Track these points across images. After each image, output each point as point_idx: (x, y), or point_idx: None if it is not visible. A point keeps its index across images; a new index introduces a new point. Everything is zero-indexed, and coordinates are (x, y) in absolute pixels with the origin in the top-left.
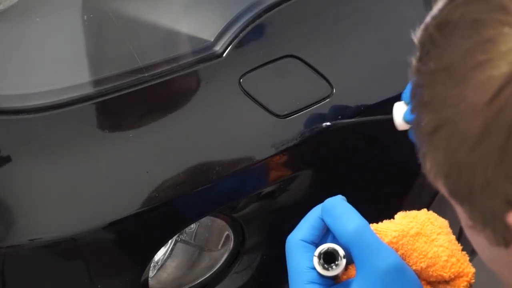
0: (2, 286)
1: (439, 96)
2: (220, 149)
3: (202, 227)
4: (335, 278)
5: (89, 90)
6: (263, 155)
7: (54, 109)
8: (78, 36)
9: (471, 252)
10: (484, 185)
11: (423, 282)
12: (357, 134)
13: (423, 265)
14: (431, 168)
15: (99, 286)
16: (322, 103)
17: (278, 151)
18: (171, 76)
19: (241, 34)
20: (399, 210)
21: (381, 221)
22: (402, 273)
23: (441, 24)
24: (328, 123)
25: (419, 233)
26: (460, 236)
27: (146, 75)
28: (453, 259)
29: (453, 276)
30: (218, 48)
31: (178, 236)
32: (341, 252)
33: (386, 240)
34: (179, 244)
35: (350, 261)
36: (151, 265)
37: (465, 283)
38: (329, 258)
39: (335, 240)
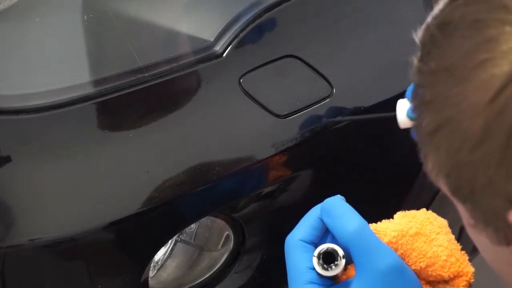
0: (2, 286)
1: (440, 95)
2: (220, 149)
3: (202, 227)
4: (334, 278)
5: (89, 90)
6: (263, 155)
7: (54, 109)
8: (78, 36)
9: (471, 252)
10: (485, 184)
11: (422, 282)
12: (357, 134)
13: (423, 264)
14: (432, 167)
15: (99, 286)
16: (322, 103)
17: (278, 151)
18: (171, 76)
19: (241, 34)
20: (399, 210)
21: (381, 221)
22: (402, 273)
23: (442, 24)
24: (330, 119)
25: (418, 232)
26: (460, 236)
27: (146, 75)
28: (453, 259)
29: (452, 276)
30: (218, 48)
31: (178, 236)
32: (341, 252)
33: (385, 240)
34: (179, 244)
35: (349, 261)
36: (151, 265)
37: (464, 283)
38: (328, 258)
39: (334, 240)
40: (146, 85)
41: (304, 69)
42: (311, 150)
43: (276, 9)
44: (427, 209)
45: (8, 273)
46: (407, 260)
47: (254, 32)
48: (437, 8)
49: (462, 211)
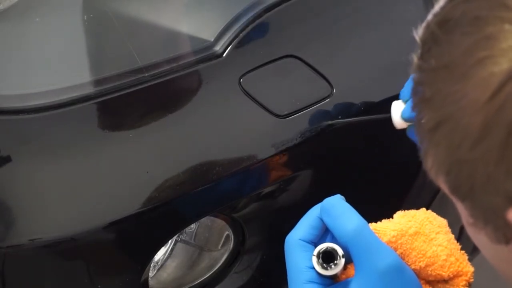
0: (2, 286)
1: (440, 93)
2: (220, 149)
3: (202, 227)
4: (334, 278)
5: (89, 90)
6: (263, 155)
7: (54, 109)
8: (78, 36)
9: (471, 252)
10: (485, 182)
11: (422, 282)
12: (357, 134)
13: (422, 264)
14: (432, 165)
15: (99, 286)
16: (322, 103)
17: (278, 151)
18: (171, 76)
19: (241, 34)
20: (399, 210)
21: (381, 220)
22: (401, 273)
23: (442, 22)
24: (329, 122)
25: (418, 232)
26: (460, 236)
27: (146, 75)
28: (452, 258)
29: (452, 275)
30: (218, 48)
31: (178, 236)
32: (340, 251)
33: (385, 239)
34: (179, 244)
35: (349, 261)
36: (151, 265)
37: (464, 282)
38: (328, 257)
39: (334, 240)
40: (146, 85)
41: (304, 69)
42: (311, 150)
43: (276, 9)
44: (427, 209)
45: (8, 273)
46: (407, 259)
47: (254, 32)
48: (438, 6)
49: (462, 209)
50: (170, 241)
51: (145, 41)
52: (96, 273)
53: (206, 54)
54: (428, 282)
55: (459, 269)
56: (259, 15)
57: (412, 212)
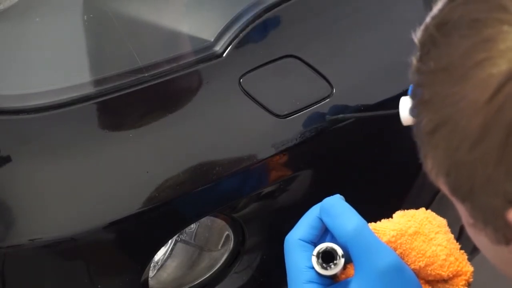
0: (2, 286)
1: (439, 95)
2: (220, 149)
3: (202, 227)
4: (333, 277)
5: (89, 90)
6: (263, 155)
7: (54, 109)
8: (78, 36)
9: (470, 251)
10: (484, 183)
11: (421, 281)
12: (357, 134)
13: (422, 264)
14: (432, 167)
15: (99, 286)
16: (322, 103)
17: (278, 151)
18: (171, 76)
19: (241, 34)
20: (399, 210)
21: (380, 220)
22: (401, 272)
23: (441, 24)
24: (333, 117)
25: (417, 232)
26: (459, 236)
27: (146, 75)
28: (452, 258)
29: (451, 275)
30: (218, 48)
31: (178, 236)
32: (340, 251)
33: (384, 239)
34: (179, 244)
35: (348, 260)
36: (151, 265)
37: (463, 282)
38: (327, 257)
39: (334, 240)
40: (146, 85)
41: (304, 69)
42: (311, 150)
43: (276, 9)
44: (427, 209)
45: (8, 273)
46: (406, 259)
47: (254, 32)
48: (436, 8)
49: (462, 210)
50: (170, 241)
51: (145, 41)
52: (96, 273)
53: (206, 54)
54: (428, 281)
55: (459, 268)
56: (259, 15)
57: (412, 212)
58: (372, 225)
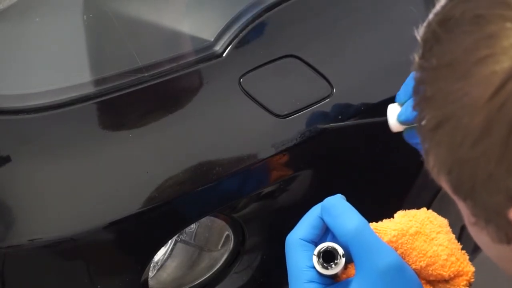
0: (2, 286)
1: (441, 92)
2: (220, 149)
3: (202, 227)
4: (334, 277)
5: (89, 90)
6: (263, 155)
7: (54, 109)
8: (78, 36)
9: (472, 252)
10: (486, 180)
11: (422, 281)
12: (357, 134)
13: (423, 264)
14: (434, 164)
15: (99, 286)
16: (322, 103)
17: (278, 151)
18: (171, 76)
19: (241, 34)
20: (399, 210)
21: (381, 220)
22: (402, 272)
23: (444, 21)
24: (325, 126)
25: (418, 232)
26: (461, 236)
27: (146, 75)
28: (453, 258)
29: (452, 275)
30: (218, 48)
31: (178, 236)
32: (341, 251)
33: (385, 239)
34: (179, 244)
35: (349, 260)
36: (151, 265)
37: (464, 282)
38: (328, 257)
39: (335, 239)
40: (146, 85)
41: (304, 69)
42: (311, 150)
43: (276, 9)
44: (428, 209)
45: (8, 273)
46: (407, 259)
47: (254, 32)
48: (439, 5)
49: (464, 209)
50: (170, 241)
51: (145, 41)
52: (96, 273)
53: (206, 54)
54: (429, 282)
55: (460, 269)
56: (259, 15)
57: (413, 211)
58: (373, 225)
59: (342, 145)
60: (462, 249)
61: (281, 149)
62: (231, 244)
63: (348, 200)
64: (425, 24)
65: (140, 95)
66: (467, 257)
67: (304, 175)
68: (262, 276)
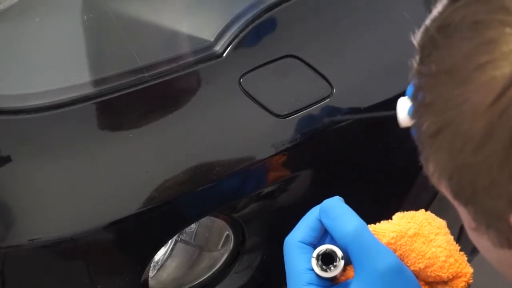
0: (2, 286)
1: (441, 98)
2: (220, 149)
3: (202, 227)
4: (333, 279)
5: (89, 90)
6: (263, 155)
7: (54, 109)
8: (78, 36)
9: (470, 253)
10: (488, 186)
11: (421, 283)
12: (357, 134)
13: (422, 265)
14: (434, 170)
15: (99, 286)
16: (322, 103)
17: (278, 151)
18: (171, 76)
19: (241, 34)
20: (399, 211)
21: (380, 222)
22: (401, 274)
23: (442, 26)
24: (332, 119)
25: (417, 233)
26: (459, 237)
27: (146, 75)
28: (451, 260)
29: (451, 277)
30: (218, 48)
31: (178, 236)
32: (339, 253)
33: (384, 241)
34: (179, 244)
35: (348, 262)
36: (151, 265)
37: (463, 283)
38: (327, 259)
39: (333, 241)
40: (146, 85)
41: (304, 69)
42: (311, 150)
43: (276, 9)
44: (427, 210)
45: (8, 273)
46: (406, 261)
47: (254, 32)
48: (436, 11)
49: (464, 214)
50: (170, 241)
51: (145, 41)
52: (96, 273)
53: (206, 54)
54: (428, 283)
55: (459, 270)
56: (259, 15)
57: (411, 213)
58: (371, 227)
59: (342, 145)
60: (460, 250)
61: (281, 149)
62: (231, 244)
63: (348, 201)
64: (421, 29)
65: (140, 95)
66: (466, 259)
67: (304, 175)
68: (262, 276)
